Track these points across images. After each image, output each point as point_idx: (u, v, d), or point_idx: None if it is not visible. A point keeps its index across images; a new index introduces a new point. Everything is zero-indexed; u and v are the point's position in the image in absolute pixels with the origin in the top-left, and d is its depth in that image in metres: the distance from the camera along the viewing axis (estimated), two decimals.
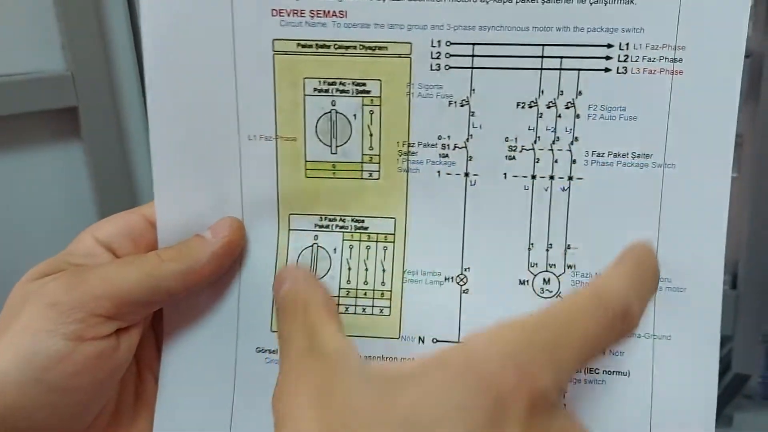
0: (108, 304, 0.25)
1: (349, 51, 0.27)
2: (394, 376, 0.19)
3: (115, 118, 0.85)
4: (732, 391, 0.71)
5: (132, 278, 0.25)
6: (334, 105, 0.27)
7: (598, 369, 0.27)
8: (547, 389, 0.18)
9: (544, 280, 0.27)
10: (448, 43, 0.26)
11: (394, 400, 0.18)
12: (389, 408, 0.18)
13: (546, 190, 0.27)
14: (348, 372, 0.20)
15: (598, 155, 0.27)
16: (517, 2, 0.26)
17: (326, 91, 0.27)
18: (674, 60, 0.26)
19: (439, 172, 0.27)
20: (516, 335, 0.19)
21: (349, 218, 0.28)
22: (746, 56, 0.57)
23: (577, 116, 0.27)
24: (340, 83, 0.27)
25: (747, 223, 0.63)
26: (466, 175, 0.27)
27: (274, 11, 0.27)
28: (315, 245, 0.28)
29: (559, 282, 0.27)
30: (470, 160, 0.27)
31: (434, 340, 0.28)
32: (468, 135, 0.27)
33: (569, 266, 0.27)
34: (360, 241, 0.28)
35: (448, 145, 0.27)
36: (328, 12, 0.26)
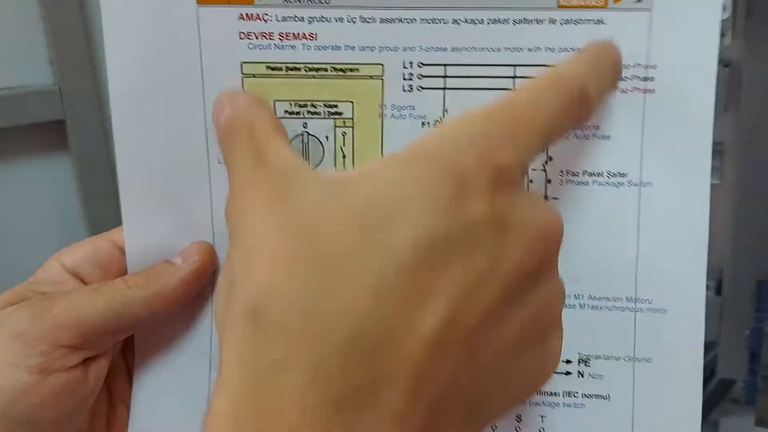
0: (74, 334, 0.24)
1: (320, 73, 0.26)
2: (352, 174, 0.19)
3: (102, 131, 0.84)
4: (717, 396, 0.71)
5: (98, 306, 0.25)
6: (305, 127, 0.27)
7: (577, 392, 0.27)
8: (508, 165, 0.18)
9: None
10: (420, 64, 0.26)
11: (354, 191, 0.18)
12: (347, 201, 0.18)
13: None
14: (302, 177, 0.19)
15: (573, 174, 0.26)
16: (488, 23, 0.25)
17: (297, 113, 0.27)
18: (645, 78, 0.25)
19: None
20: (474, 121, 0.19)
21: None
22: (726, 65, 0.57)
23: None
24: (312, 105, 0.27)
25: (731, 230, 0.63)
26: None
27: (242, 34, 0.26)
28: None
29: None
30: None
31: None
32: None
33: None
34: None
35: None
36: (298, 34, 0.26)
